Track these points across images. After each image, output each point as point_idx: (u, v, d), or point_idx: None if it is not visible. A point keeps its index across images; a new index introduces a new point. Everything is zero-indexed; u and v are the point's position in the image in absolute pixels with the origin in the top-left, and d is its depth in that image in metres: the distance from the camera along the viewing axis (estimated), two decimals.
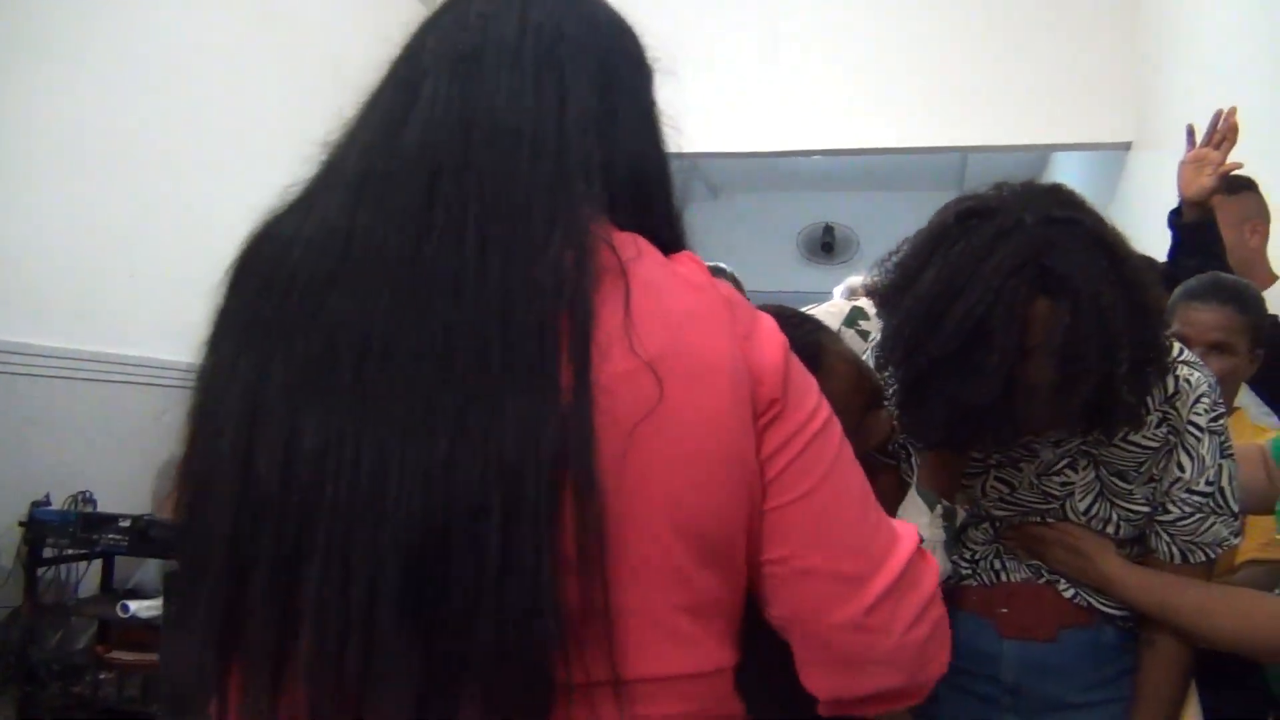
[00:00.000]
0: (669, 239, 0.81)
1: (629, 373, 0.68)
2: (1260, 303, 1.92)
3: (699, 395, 0.70)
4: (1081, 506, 1.27)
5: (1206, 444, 1.23)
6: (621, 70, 0.82)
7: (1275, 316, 2.09)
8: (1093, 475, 1.27)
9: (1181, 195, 2.16)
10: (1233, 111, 2.10)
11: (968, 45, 4.99)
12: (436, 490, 0.65)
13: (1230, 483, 1.25)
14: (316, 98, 4.51)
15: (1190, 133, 2.18)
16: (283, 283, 0.71)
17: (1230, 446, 1.26)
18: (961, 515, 1.24)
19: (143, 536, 2.99)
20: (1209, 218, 2.14)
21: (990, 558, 1.33)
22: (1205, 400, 1.23)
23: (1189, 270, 2.14)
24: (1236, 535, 1.28)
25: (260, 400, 0.69)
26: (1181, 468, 1.24)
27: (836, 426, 0.78)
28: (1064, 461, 1.27)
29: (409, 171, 0.73)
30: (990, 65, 4.94)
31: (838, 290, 3.00)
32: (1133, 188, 4.67)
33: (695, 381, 0.70)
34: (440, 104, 0.75)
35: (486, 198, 0.71)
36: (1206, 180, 2.09)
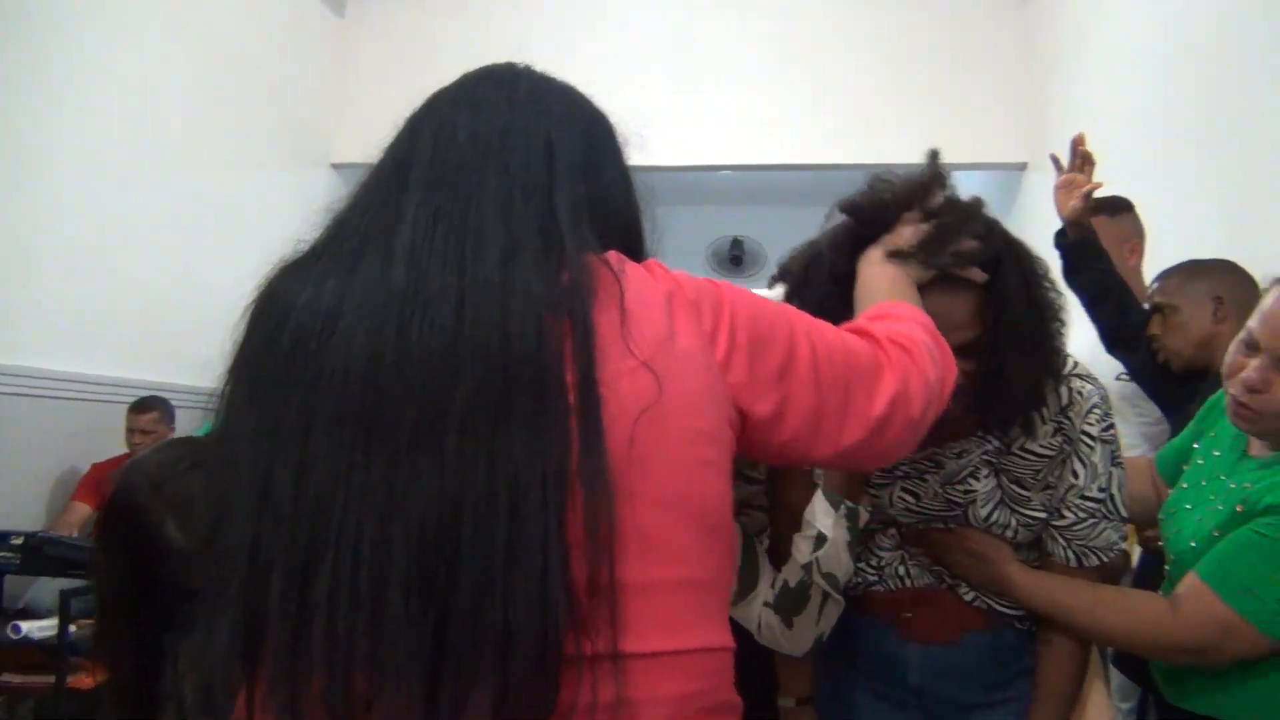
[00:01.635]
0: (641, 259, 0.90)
1: (629, 370, 0.76)
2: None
3: (684, 384, 0.78)
4: (983, 514, 1.32)
5: (1099, 452, 1.29)
6: (603, 139, 0.95)
7: None
8: (994, 484, 1.32)
9: (1060, 217, 2.30)
10: (1082, 139, 2.29)
11: (871, 67, 5.15)
12: (446, 484, 0.69)
13: (1120, 489, 1.31)
14: (226, 107, 4.48)
15: (1055, 160, 2.34)
16: (294, 320, 0.76)
17: (1120, 455, 1.33)
18: (864, 516, 1.28)
19: (35, 554, 2.88)
20: (1089, 234, 2.28)
21: (895, 564, 1.37)
22: (1097, 410, 1.30)
23: (1080, 286, 2.27)
24: (1124, 539, 1.34)
25: (278, 424, 0.73)
26: (1075, 475, 1.30)
27: (802, 349, 0.87)
28: (967, 471, 1.32)
29: (409, 215, 0.79)
30: (893, 87, 5.10)
31: None
32: (1028, 206, 4.85)
33: (680, 373, 0.78)
34: (436, 168, 0.83)
35: (483, 233, 0.78)
36: (1077, 202, 2.25)
